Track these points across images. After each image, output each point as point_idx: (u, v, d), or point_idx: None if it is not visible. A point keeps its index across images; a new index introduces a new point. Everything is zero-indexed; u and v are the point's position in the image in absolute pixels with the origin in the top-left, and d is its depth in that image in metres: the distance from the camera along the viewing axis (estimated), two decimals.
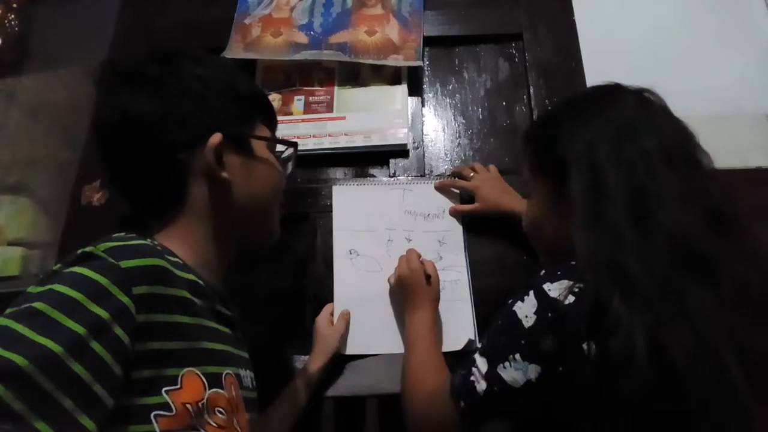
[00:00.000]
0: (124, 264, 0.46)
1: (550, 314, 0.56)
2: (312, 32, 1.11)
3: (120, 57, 1.19)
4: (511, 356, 0.57)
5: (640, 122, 0.62)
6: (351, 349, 0.90)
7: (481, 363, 0.61)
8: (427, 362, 0.75)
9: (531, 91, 1.10)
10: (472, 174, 1.00)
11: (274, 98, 1.09)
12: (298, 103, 1.09)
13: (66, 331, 0.41)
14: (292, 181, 0.77)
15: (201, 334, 0.54)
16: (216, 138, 0.60)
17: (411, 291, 0.85)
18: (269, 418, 0.79)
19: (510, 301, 0.61)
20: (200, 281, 0.57)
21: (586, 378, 0.54)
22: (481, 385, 0.59)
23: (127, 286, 0.46)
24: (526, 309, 0.58)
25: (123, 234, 0.51)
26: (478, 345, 0.65)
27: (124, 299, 0.45)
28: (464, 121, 1.11)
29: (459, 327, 0.91)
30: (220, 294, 0.62)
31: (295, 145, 0.74)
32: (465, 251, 0.98)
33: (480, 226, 0.99)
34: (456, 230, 0.99)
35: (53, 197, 1.16)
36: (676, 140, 0.62)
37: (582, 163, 0.61)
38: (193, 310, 0.53)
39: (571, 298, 0.55)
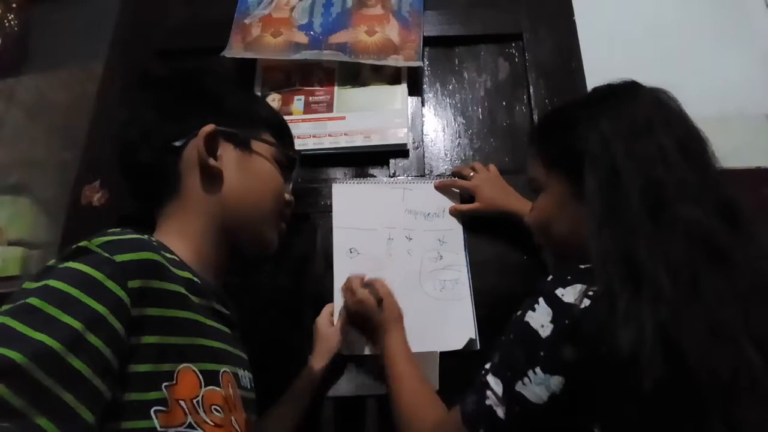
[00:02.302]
0: (119, 258, 0.46)
1: (567, 321, 0.53)
2: (312, 32, 1.11)
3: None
4: (531, 371, 0.54)
5: (656, 119, 0.61)
6: (351, 350, 0.90)
7: (495, 384, 0.57)
8: (417, 394, 0.73)
9: (531, 91, 1.10)
10: (472, 174, 1.00)
11: (274, 98, 1.09)
12: (298, 103, 1.09)
13: (62, 326, 0.41)
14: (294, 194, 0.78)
15: (197, 330, 0.54)
16: (209, 127, 0.63)
17: (369, 322, 0.83)
18: (271, 419, 0.79)
19: (519, 312, 0.58)
20: (197, 279, 0.57)
21: (606, 381, 0.52)
22: (502, 409, 0.56)
23: (122, 280, 0.46)
24: (540, 318, 0.55)
25: (118, 229, 0.51)
26: (488, 366, 0.60)
27: (120, 293, 0.45)
28: (464, 121, 1.11)
29: (459, 326, 0.91)
30: (218, 293, 0.62)
31: (296, 156, 0.75)
32: (465, 251, 0.98)
33: (480, 226, 0.99)
34: (456, 230, 0.99)
35: (53, 197, 1.17)
36: (691, 138, 0.61)
37: (597, 159, 0.60)
38: (189, 306, 0.53)
39: (586, 302, 0.53)
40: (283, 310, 0.97)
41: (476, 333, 0.91)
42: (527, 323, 0.56)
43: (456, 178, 1.02)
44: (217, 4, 1.19)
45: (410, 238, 0.98)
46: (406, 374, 0.76)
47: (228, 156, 0.65)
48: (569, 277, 0.56)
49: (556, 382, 0.53)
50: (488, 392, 0.57)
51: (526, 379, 0.54)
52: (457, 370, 0.88)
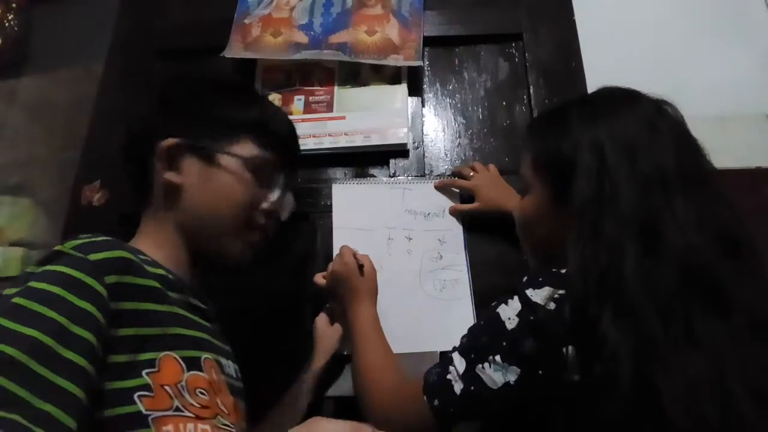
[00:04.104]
0: (93, 257, 0.49)
1: (532, 317, 0.56)
2: (312, 32, 1.11)
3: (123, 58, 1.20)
4: (491, 357, 0.57)
5: (657, 135, 0.59)
6: (351, 349, 0.90)
7: (459, 362, 0.60)
8: (380, 359, 0.74)
9: (531, 91, 1.10)
10: (471, 174, 1.00)
11: (274, 98, 1.09)
12: (298, 103, 1.09)
13: (50, 321, 0.43)
14: (284, 209, 0.76)
15: (175, 321, 0.57)
16: (168, 141, 0.65)
17: (346, 285, 0.83)
18: (272, 420, 0.80)
19: (494, 303, 0.61)
20: (171, 276, 0.60)
21: (566, 384, 0.54)
22: (459, 385, 0.59)
23: (99, 276, 0.48)
24: (509, 312, 0.58)
25: (89, 234, 0.54)
26: (457, 345, 0.63)
27: (99, 288, 0.48)
28: (464, 121, 1.11)
29: (459, 326, 0.90)
30: (194, 289, 0.64)
31: (280, 159, 0.71)
32: (465, 250, 0.98)
33: (480, 226, 0.99)
34: (456, 229, 0.99)
35: (53, 197, 1.17)
36: (692, 160, 0.59)
37: (590, 170, 0.58)
38: (164, 299, 0.56)
39: (552, 305, 0.55)
40: (284, 310, 0.97)
41: None
42: (498, 314, 0.59)
43: (456, 178, 1.02)
44: (217, 4, 1.19)
45: (410, 238, 0.98)
46: (370, 338, 0.77)
47: (191, 169, 0.66)
48: (541, 279, 0.58)
49: (512, 372, 0.56)
50: (451, 368, 0.60)
51: (486, 364, 0.58)
52: None
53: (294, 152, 0.75)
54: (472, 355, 0.59)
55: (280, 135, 0.73)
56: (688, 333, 0.50)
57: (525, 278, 0.60)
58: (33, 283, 0.46)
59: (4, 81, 1.31)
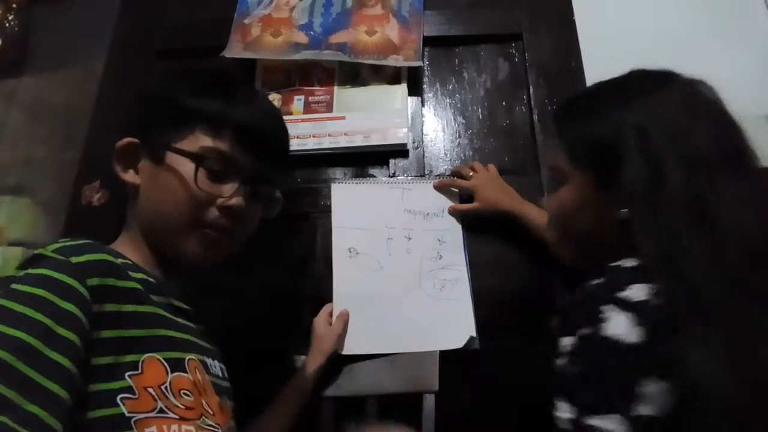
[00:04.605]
0: (75, 260, 0.50)
1: (651, 319, 0.48)
2: (312, 32, 1.12)
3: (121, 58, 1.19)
4: (637, 387, 0.47)
5: (695, 117, 0.57)
6: (350, 349, 0.90)
7: (609, 423, 0.47)
8: None
9: (531, 91, 1.10)
10: (471, 174, 1.00)
11: (274, 98, 1.09)
12: (297, 103, 1.09)
13: (35, 322, 0.43)
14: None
15: (158, 322, 0.56)
16: (122, 141, 0.65)
17: None
18: (268, 418, 0.79)
19: (582, 332, 0.51)
20: (152, 279, 0.60)
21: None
22: None
23: (81, 278, 0.48)
24: (619, 326, 0.48)
25: (69, 238, 0.54)
26: (579, 410, 0.50)
27: (81, 290, 0.48)
28: (464, 121, 1.11)
29: (460, 325, 0.91)
30: (176, 291, 0.64)
31: (196, 158, 0.62)
32: (464, 250, 0.98)
33: (480, 226, 0.99)
34: (455, 229, 0.99)
35: (53, 197, 1.16)
36: (732, 140, 0.57)
37: (637, 155, 0.55)
38: (146, 302, 0.56)
39: (656, 299, 0.49)
40: (283, 310, 0.97)
41: (477, 331, 0.91)
42: (607, 338, 0.49)
43: (455, 178, 1.02)
44: (217, 4, 1.19)
45: (410, 238, 0.98)
46: None
47: (144, 169, 0.65)
48: (622, 278, 0.52)
49: (664, 386, 0.47)
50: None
51: (637, 400, 0.47)
52: (457, 370, 0.88)
53: (267, 146, 0.68)
54: (617, 403, 0.47)
55: (244, 126, 0.65)
56: (743, 318, 0.47)
57: (600, 283, 0.53)
58: (16, 286, 0.46)
59: (4, 81, 1.31)
